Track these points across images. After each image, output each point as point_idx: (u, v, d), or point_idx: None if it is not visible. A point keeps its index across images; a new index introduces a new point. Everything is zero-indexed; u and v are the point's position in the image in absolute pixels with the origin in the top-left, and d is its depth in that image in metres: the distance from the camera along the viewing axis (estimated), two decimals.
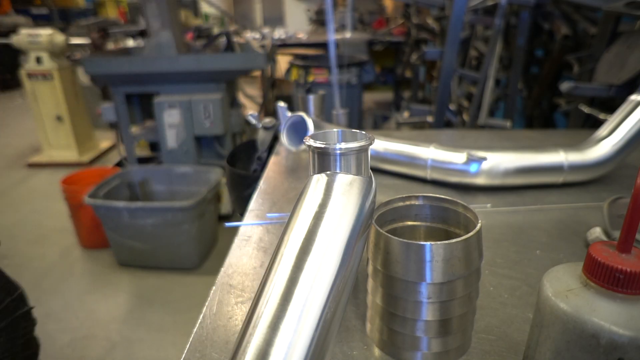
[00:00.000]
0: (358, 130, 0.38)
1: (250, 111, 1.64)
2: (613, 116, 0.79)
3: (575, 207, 0.72)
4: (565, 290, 0.29)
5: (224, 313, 0.48)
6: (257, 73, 3.48)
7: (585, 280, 0.29)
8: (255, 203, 0.76)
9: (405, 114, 1.82)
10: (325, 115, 1.13)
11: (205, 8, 5.45)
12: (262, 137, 1.09)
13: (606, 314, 0.26)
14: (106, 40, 3.78)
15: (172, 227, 2.04)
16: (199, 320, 0.47)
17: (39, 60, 3.29)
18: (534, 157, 0.76)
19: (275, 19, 7.40)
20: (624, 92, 0.97)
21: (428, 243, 0.35)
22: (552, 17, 1.64)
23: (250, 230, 0.66)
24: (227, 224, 0.69)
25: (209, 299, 0.51)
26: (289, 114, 0.91)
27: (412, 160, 0.80)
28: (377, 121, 3.61)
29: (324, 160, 0.36)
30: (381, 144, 0.84)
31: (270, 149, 1.07)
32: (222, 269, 0.57)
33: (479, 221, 0.39)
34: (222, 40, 2.75)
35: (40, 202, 3.01)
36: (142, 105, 2.71)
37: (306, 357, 0.26)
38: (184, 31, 2.80)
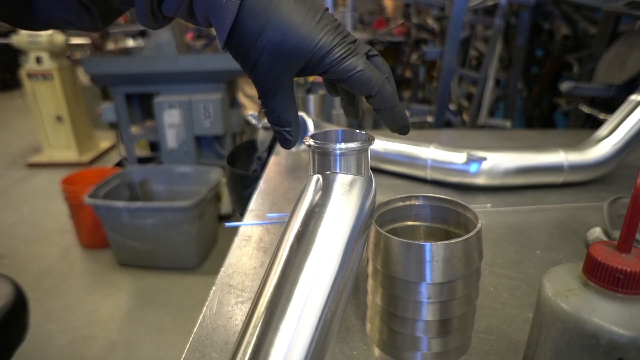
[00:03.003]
0: (358, 130, 0.39)
1: (250, 111, 1.64)
2: (613, 116, 0.79)
3: (575, 207, 0.72)
4: (565, 290, 0.29)
5: (224, 313, 0.48)
6: None
7: (585, 280, 0.29)
8: (255, 203, 0.76)
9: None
10: (325, 115, 1.13)
11: None
12: (262, 137, 1.08)
13: (606, 314, 0.26)
14: (106, 40, 3.78)
15: (172, 227, 2.04)
16: (199, 320, 0.47)
17: (39, 60, 3.29)
18: (534, 157, 0.76)
19: None
20: (624, 92, 0.97)
21: (428, 243, 0.36)
22: (552, 17, 1.64)
23: (250, 230, 0.66)
24: (227, 224, 0.69)
25: (209, 299, 0.51)
26: None
27: (412, 160, 0.80)
28: (377, 121, 3.61)
29: (324, 160, 0.36)
30: (381, 144, 0.84)
31: (270, 149, 1.07)
32: (222, 269, 0.57)
33: (479, 221, 0.39)
34: None
35: (40, 202, 3.01)
36: (142, 105, 2.71)
37: (306, 357, 0.26)
38: (184, 31, 2.80)
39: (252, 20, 0.32)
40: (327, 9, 0.34)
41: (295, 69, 0.34)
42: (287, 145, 0.36)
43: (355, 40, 0.34)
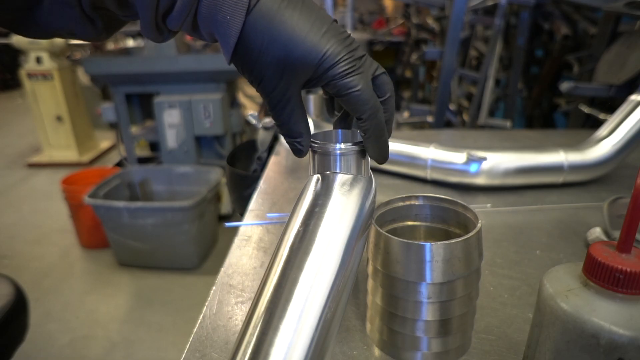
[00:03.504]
0: (358, 130, 0.38)
1: (250, 111, 1.64)
2: (613, 116, 0.79)
3: (575, 207, 0.72)
4: (565, 290, 0.29)
5: (224, 313, 0.48)
6: None
7: (585, 280, 0.29)
8: (255, 203, 0.76)
9: (405, 114, 1.81)
10: (325, 116, 1.13)
11: None
12: (262, 137, 1.08)
13: (606, 314, 0.26)
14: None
15: (172, 227, 2.04)
16: (199, 320, 0.47)
17: (39, 60, 3.29)
18: (534, 157, 0.76)
19: None
20: (624, 92, 0.97)
21: (428, 243, 0.36)
22: (552, 17, 1.64)
23: (250, 230, 0.66)
24: (227, 224, 0.69)
25: (209, 299, 0.51)
26: None
27: (412, 160, 0.80)
28: None
29: (324, 160, 0.36)
30: None
31: (270, 149, 1.07)
32: (222, 269, 0.57)
33: (479, 221, 0.39)
34: None
35: (40, 202, 3.01)
36: (142, 105, 2.71)
37: (306, 357, 0.26)
38: None
39: (257, 35, 0.32)
40: (336, 20, 0.34)
41: (302, 81, 0.34)
42: (299, 154, 0.37)
43: (362, 56, 0.34)
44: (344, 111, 0.40)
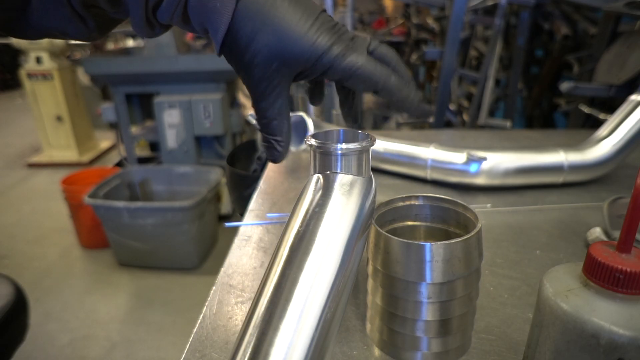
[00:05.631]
0: (360, 131, 0.38)
1: (250, 111, 1.64)
2: (613, 116, 0.79)
3: (575, 207, 0.72)
4: (565, 290, 0.29)
5: (224, 313, 0.48)
6: None
7: (585, 280, 0.29)
8: (255, 203, 0.76)
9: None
10: (325, 115, 1.13)
11: None
12: None
13: (606, 314, 0.26)
14: (106, 40, 3.78)
15: (172, 227, 2.04)
16: (199, 320, 0.47)
17: (39, 60, 3.29)
18: (534, 157, 0.76)
19: None
20: (624, 92, 0.97)
21: (428, 243, 0.36)
22: (552, 17, 1.64)
23: (250, 230, 0.66)
24: (227, 224, 0.69)
25: (209, 299, 0.51)
26: None
27: (412, 160, 0.80)
28: (377, 121, 3.60)
29: (324, 160, 0.36)
30: (381, 144, 0.84)
31: None
32: (222, 269, 0.57)
33: (479, 221, 0.39)
34: None
35: (40, 202, 3.01)
36: (142, 105, 2.71)
37: (306, 357, 0.26)
38: (184, 31, 2.80)
39: (247, 23, 0.31)
40: (324, 10, 0.34)
41: (291, 72, 0.33)
42: (274, 157, 0.35)
43: (353, 37, 0.34)
44: (348, 99, 0.40)
